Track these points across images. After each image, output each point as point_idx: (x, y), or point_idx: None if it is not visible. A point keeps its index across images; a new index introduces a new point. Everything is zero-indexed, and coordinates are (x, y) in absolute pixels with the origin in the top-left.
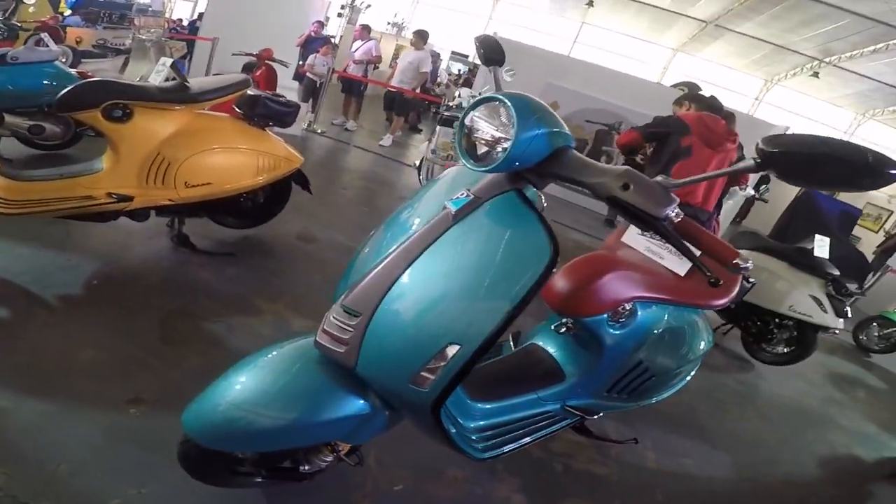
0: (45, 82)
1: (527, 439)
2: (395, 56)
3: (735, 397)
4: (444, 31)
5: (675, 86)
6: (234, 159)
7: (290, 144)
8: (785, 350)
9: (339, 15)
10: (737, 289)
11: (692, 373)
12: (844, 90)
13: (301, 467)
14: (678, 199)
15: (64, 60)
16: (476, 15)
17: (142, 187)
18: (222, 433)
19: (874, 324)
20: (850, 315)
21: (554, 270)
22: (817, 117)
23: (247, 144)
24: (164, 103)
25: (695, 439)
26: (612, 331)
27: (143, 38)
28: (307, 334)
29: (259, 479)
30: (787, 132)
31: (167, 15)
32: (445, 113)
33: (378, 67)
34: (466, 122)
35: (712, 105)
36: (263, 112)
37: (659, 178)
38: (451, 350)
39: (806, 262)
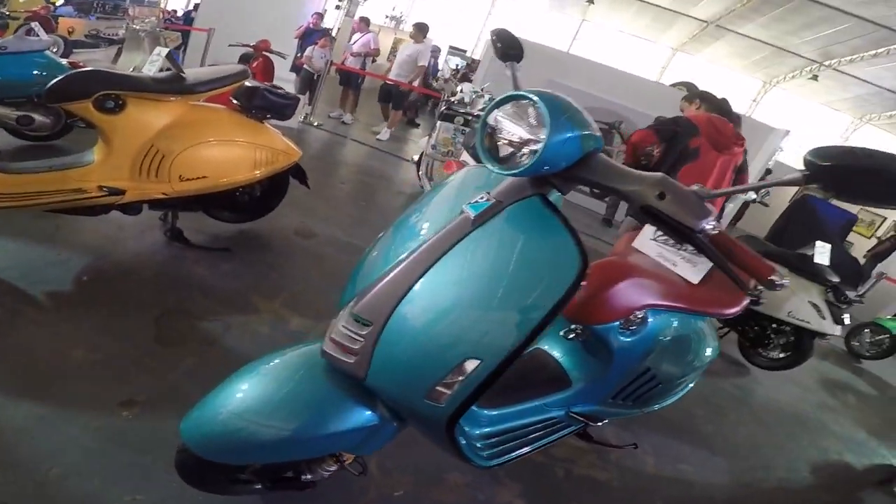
0: (34, 72)
1: (531, 447)
2: (393, 50)
3: (732, 402)
4: (442, 26)
5: (674, 85)
6: (231, 152)
7: (286, 137)
8: (781, 355)
9: (337, 7)
10: (747, 298)
11: (696, 380)
12: (843, 94)
13: (303, 476)
14: (715, 211)
15: (55, 50)
16: (474, 10)
17: (134, 180)
18: (223, 445)
19: (867, 330)
20: (847, 322)
21: (583, 283)
22: (814, 120)
23: (244, 137)
24: (158, 94)
25: (693, 444)
26: (622, 338)
27: (137, 28)
28: (312, 341)
29: (259, 487)
30: (787, 134)
31: (162, 5)
32: (445, 109)
33: (376, 60)
34: (489, 120)
35: (722, 107)
36: (262, 104)
37: (695, 187)
38: (470, 365)
39: (806, 269)
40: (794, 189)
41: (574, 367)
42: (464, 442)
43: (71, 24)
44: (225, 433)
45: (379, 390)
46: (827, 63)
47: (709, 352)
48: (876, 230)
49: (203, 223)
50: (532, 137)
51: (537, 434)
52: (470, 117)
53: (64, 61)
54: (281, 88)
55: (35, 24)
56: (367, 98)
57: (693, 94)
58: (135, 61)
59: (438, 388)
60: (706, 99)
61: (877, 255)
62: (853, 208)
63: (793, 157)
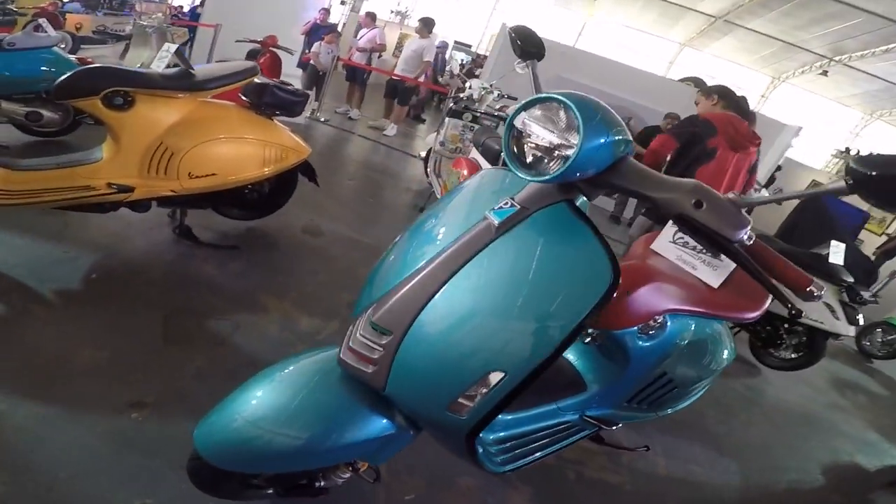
0: (42, 68)
1: (544, 451)
2: (399, 45)
3: (743, 402)
4: (447, 21)
5: (682, 80)
6: (240, 150)
7: (294, 133)
8: (793, 356)
9: (343, 2)
10: (768, 301)
11: (712, 383)
12: (853, 89)
13: (317, 483)
14: (751, 220)
15: (63, 46)
16: (479, 4)
17: (143, 178)
18: (236, 454)
19: (878, 329)
20: (861, 323)
21: (615, 295)
22: (824, 116)
23: (253, 134)
24: (167, 91)
25: (704, 445)
26: (640, 343)
27: (145, 24)
28: (327, 347)
29: (272, 493)
30: (799, 131)
31: (169, 1)
32: (453, 105)
33: (382, 56)
34: (516, 124)
35: (740, 106)
36: (271, 101)
37: (731, 195)
38: (495, 377)
39: (821, 268)
40: (805, 183)
41: (589, 370)
42: (481, 450)
43: (79, 21)
44: (239, 442)
45: (398, 400)
46: (837, 58)
47: (725, 354)
48: (887, 227)
49: (211, 220)
50: (563, 143)
51: (551, 438)
52: (478, 114)
53: (72, 57)
54: (290, 85)
55: (43, 21)
56: (373, 94)
57: (711, 88)
58: (142, 57)
59: (461, 400)
60: (725, 96)
61: (886, 253)
62: (865, 205)
63: (802, 153)
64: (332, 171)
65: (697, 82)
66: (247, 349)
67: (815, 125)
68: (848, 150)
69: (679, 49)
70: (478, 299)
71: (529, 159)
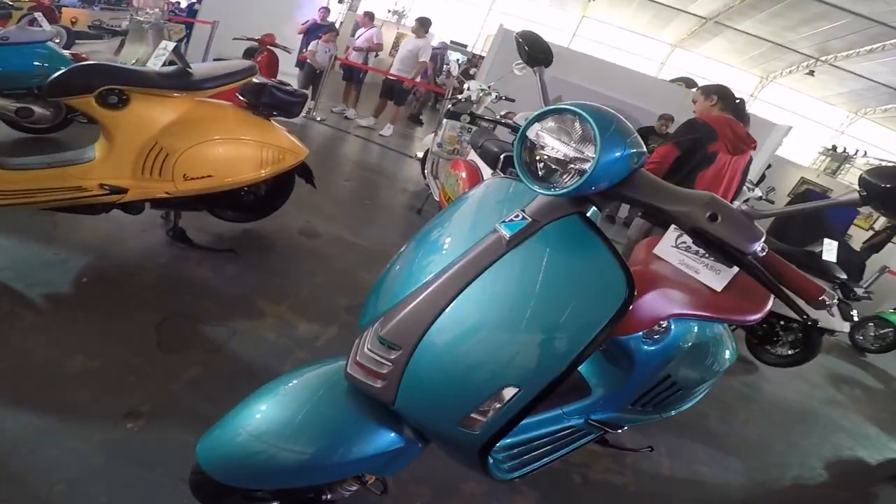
0: (35, 63)
1: (551, 457)
2: (395, 45)
3: (742, 400)
4: (444, 20)
5: (674, 81)
6: (237, 151)
7: (291, 133)
8: (789, 352)
9: (340, 1)
10: (769, 304)
11: (714, 384)
12: (838, 88)
13: (324, 496)
14: (764, 232)
15: (58, 41)
16: (477, 5)
17: (137, 179)
18: (240, 469)
19: (870, 324)
20: (856, 318)
21: (630, 308)
22: (810, 115)
23: (250, 135)
24: (163, 90)
25: (707, 444)
26: (644, 347)
27: (141, 19)
28: (332, 359)
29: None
30: (788, 131)
31: None
32: (451, 106)
33: (378, 55)
34: (530, 135)
35: (738, 109)
36: (269, 101)
37: (743, 206)
38: (508, 392)
39: (814, 266)
40: (794, 180)
41: (594, 375)
42: (491, 461)
43: (74, 15)
44: (243, 457)
45: (407, 415)
46: (823, 58)
47: (727, 355)
48: (874, 222)
49: (206, 222)
50: (579, 156)
51: (557, 443)
52: (478, 117)
53: (66, 53)
54: (288, 85)
55: (38, 15)
56: (368, 92)
57: (710, 88)
58: (138, 53)
59: (473, 416)
60: (725, 97)
61: (872, 247)
62: None
63: (790, 151)
64: (329, 172)
65: (688, 83)
66: (244, 356)
67: (803, 123)
68: (835, 147)
69: (670, 50)
70: (489, 313)
71: (542, 171)
